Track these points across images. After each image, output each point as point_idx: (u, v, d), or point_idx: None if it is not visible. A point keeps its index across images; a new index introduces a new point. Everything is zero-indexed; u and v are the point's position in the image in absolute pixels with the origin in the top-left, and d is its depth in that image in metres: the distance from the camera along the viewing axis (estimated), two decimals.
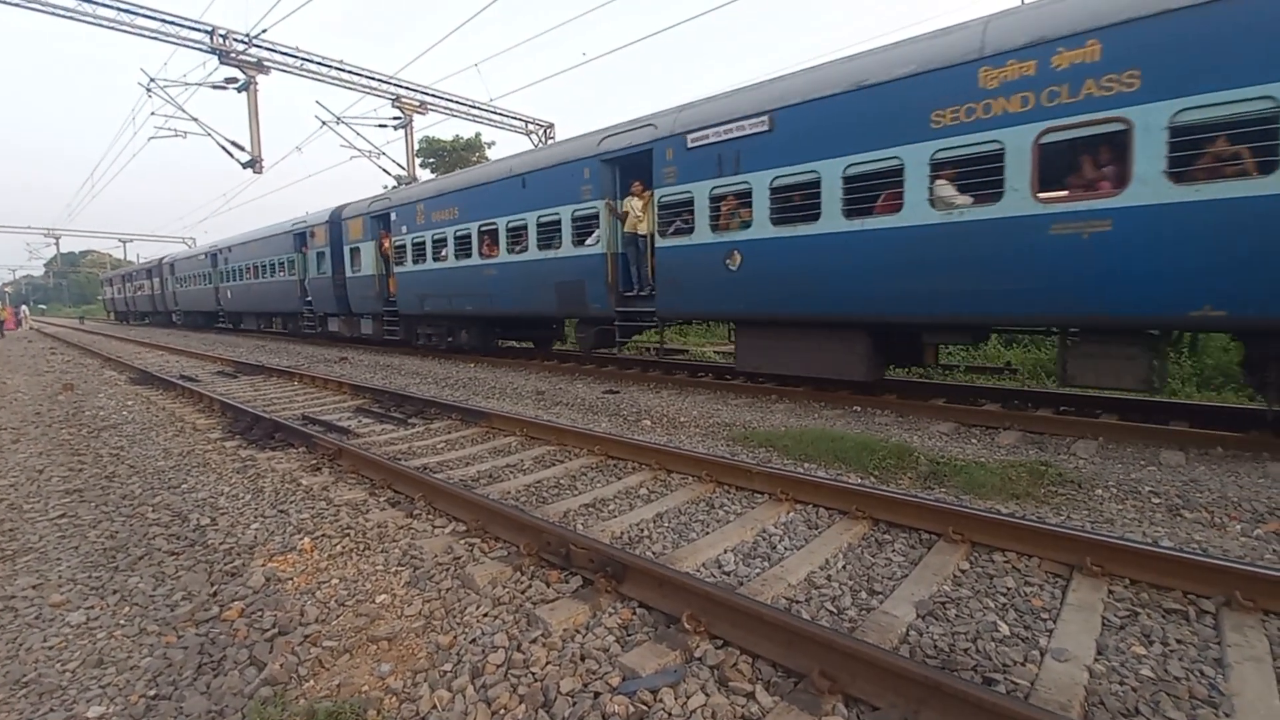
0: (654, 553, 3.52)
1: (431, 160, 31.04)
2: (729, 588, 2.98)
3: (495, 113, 23.13)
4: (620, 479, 4.86)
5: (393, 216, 14.36)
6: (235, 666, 2.53)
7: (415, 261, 13.67)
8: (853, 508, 3.90)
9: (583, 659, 2.47)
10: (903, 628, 2.70)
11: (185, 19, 15.75)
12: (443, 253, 12.91)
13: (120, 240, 58.56)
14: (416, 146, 22.57)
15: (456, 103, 21.86)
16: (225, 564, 3.50)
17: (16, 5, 14.10)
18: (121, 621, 2.96)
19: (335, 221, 16.40)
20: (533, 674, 2.39)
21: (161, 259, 32.24)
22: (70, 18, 14.77)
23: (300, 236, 18.02)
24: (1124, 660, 2.45)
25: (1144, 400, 6.65)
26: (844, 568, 3.30)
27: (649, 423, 6.95)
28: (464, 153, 31.06)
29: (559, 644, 2.57)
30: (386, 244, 14.69)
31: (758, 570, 3.27)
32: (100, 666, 2.60)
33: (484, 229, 11.74)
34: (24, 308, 43.94)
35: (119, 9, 14.88)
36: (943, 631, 2.68)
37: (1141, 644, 2.56)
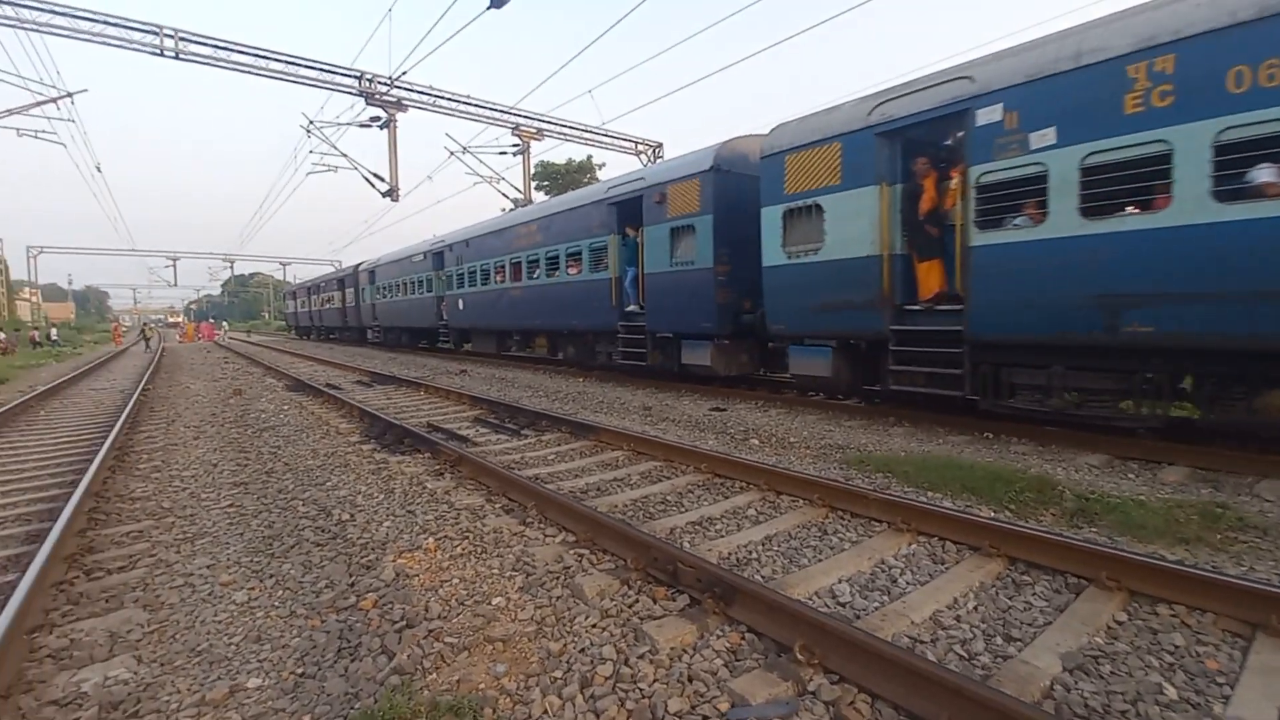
0: (763, 576, 3.41)
1: (546, 183, 32.67)
2: (845, 619, 2.82)
3: (606, 135, 23.97)
4: (727, 498, 4.78)
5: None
6: (369, 654, 2.73)
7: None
8: (985, 543, 3.57)
9: (690, 680, 2.43)
10: (1046, 680, 2.41)
11: (339, 67, 17.78)
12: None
13: (280, 263, 66.53)
14: (532, 170, 23.85)
15: (570, 128, 22.90)
16: (361, 557, 3.81)
17: (206, 63, 16.57)
18: (276, 603, 3.30)
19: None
20: (640, 690, 2.38)
21: (357, 266, 28.40)
22: (249, 72, 17.15)
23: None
24: None
25: None
26: (975, 609, 3.02)
27: (757, 442, 6.79)
28: (576, 175, 32.41)
29: (666, 662, 2.55)
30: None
31: (876, 604, 3.07)
32: (259, 642, 2.90)
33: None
34: (224, 324, 54.48)
35: (286, 62, 17.08)
36: (1095, 689, 2.37)
37: None
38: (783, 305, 8.43)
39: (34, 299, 52.63)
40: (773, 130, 8.60)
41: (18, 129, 17.42)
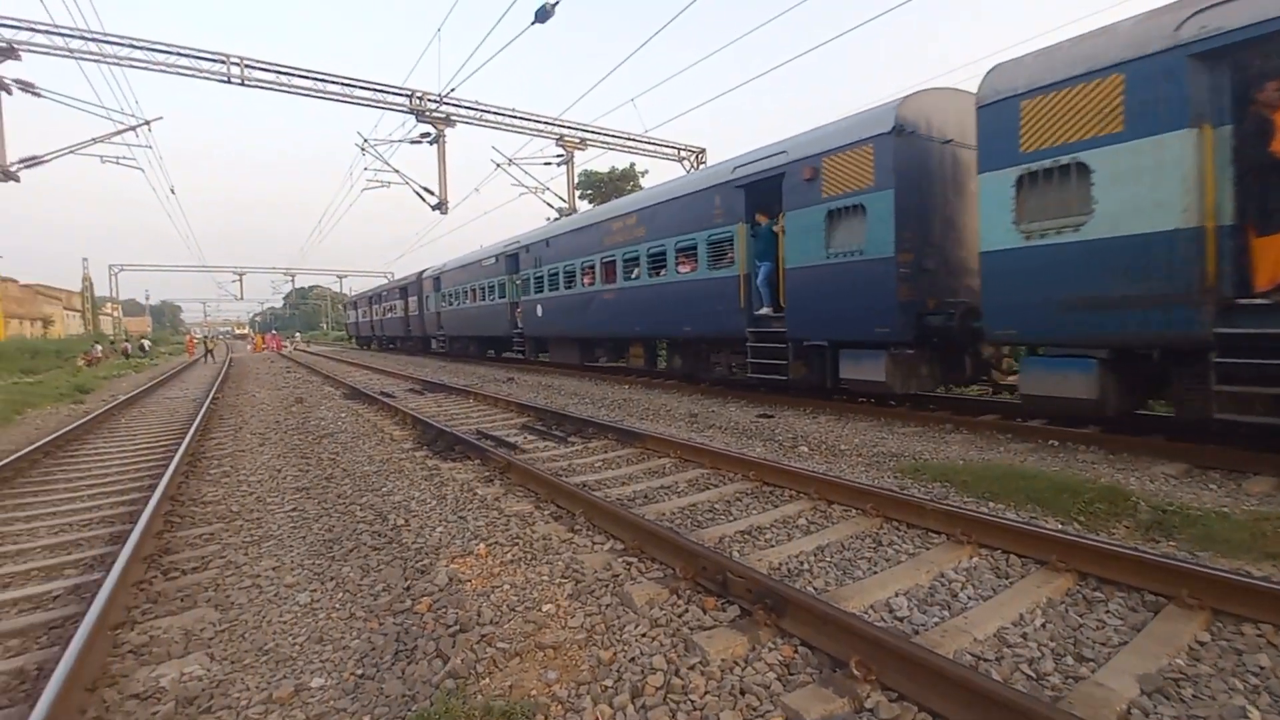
0: (815, 588, 3.33)
1: (589, 191, 33.03)
2: (903, 635, 2.72)
3: (649, 143, 24.09)
4: (777, 507, 4.70)
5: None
6: (425, 657, 2.79)
7: None
8: (1053, 557, 3.40)
9: (743, 693, 2.39)
10: (1122, 704, 2.27)
11: (392, 86, 18.46)
12: None
13: (337, 276, 69.29)
14: (577, 180, 24.17)
15: (613, 136, 23.12)
16: (416, 562, 3.90)
17: (270, 87, 17.46)
18: (337, 605, 3.41)
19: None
20: (692, 701, 2.36)
21: (421, 273, 27.19)
22: (308, 95, 17.97)
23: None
24: None
25: None
26: (1044, 626, 2.87)
27: (806, 449, 6.67)
28: (619, 182, 32.66)
29: (717, 674, 2.51)
30: None
31: (936, 619, 2.95)
32: (321, 643, 3.01)
33: None
34: (297, 334, 58.30)
35: (343, 84, 17.85)
36: (1175, 714, 2.22)
37: None
38: (1012, 302, 6.37)
39: (115, 314, 56.31)
40: (993, 71, 6.55)
41: (101, 156, 18.77)
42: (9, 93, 15.41)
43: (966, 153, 7.72)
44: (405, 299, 29.72)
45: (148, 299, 79.04)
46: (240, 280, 62.79)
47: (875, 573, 3.49)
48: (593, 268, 13.76)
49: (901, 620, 2.98)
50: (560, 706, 2.40)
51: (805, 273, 8.71)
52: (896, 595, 3.21)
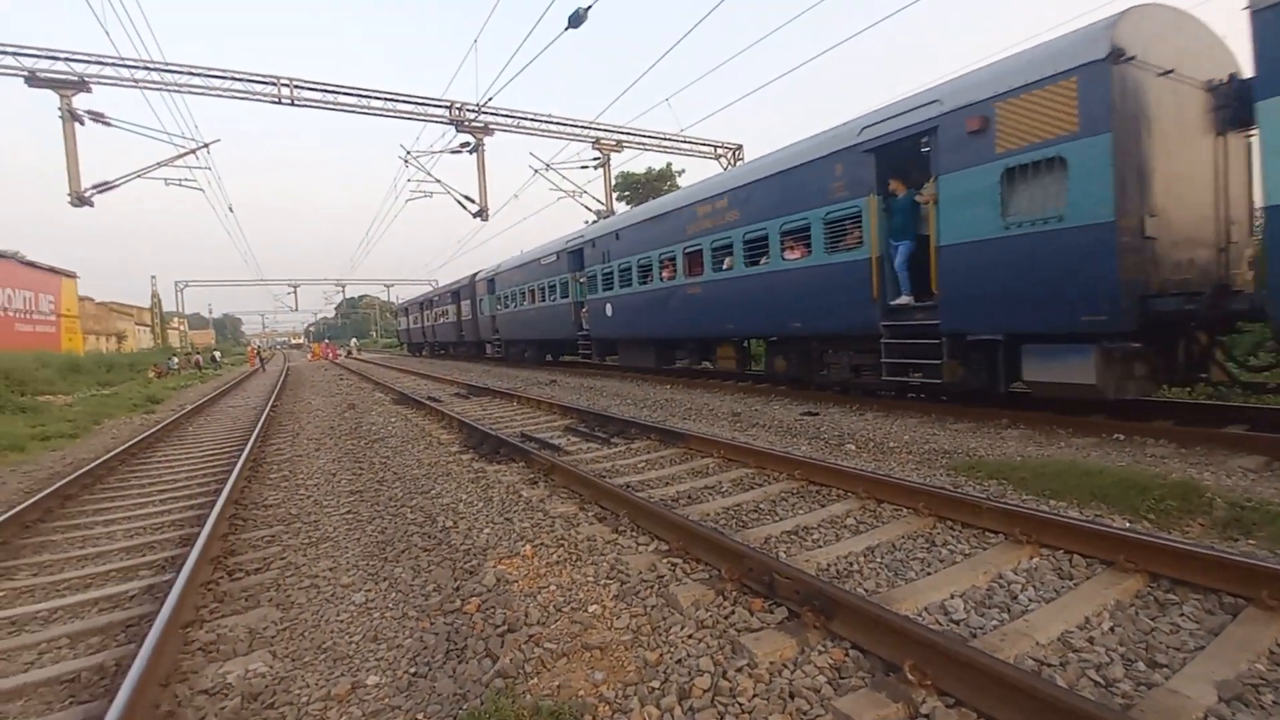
0: (866, 590, 3.24)
1: (627, 193, 33.14)
2: (960, 639, 2.63)
3: (685, 142, 24.02)
4: (824, 506, 4.60)
5: None
6: (474, 656, 2.84)
7: None
8: (1121, 557, 3.22)
9: (792, 696, 2.34)
10: (1199, 712, 2.14)
11: (431, 99, 18.93)
12: None
13: (385, 285, 71.46)
14: (614, 182, 24.28)
15: (649, 137, 23.14)
16: (465, 563, 3.98)
17: (317, 106, 18.14)
18: (390, 605, 3.51)
19: None
20: (740, 704, 2.33)
21: (474, 275, 26.10)
22: (353, 111, 18.60)
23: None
24: None
25: None
26: (1112, 630, 2.73)
27: (853, 447, 6.52)
28: (656, 183, 32.67)
29: (766, 677, 2.48)
30: None
31: (994, 622, 2.84)
32: (375, 642, 3.10)
33: None
34: (354, 340, 61.16)
35: (385, 99, 18.41)
36: None
37: None
38: None
39: (182, 328, 59.47)
40: None
41: (165, 179, 19.88)
42: (82, 123, 16.46)
43: (1186, 89, 6.29)
44: (457, 303, 28.70)
45: (210, 312, 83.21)
46: (295, 292, 65.45)
47: (929, 574, 3.38)
48: (673, 260, 12.36)
49: (958, 623, 2.87)
50: (607, 707, 2.41)
51: (969, 250, 6.97)
52: (952, 597, 3.10)
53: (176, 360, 34.31)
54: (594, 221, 21.54)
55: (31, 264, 31.28)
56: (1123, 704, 2.23)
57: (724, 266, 11.04)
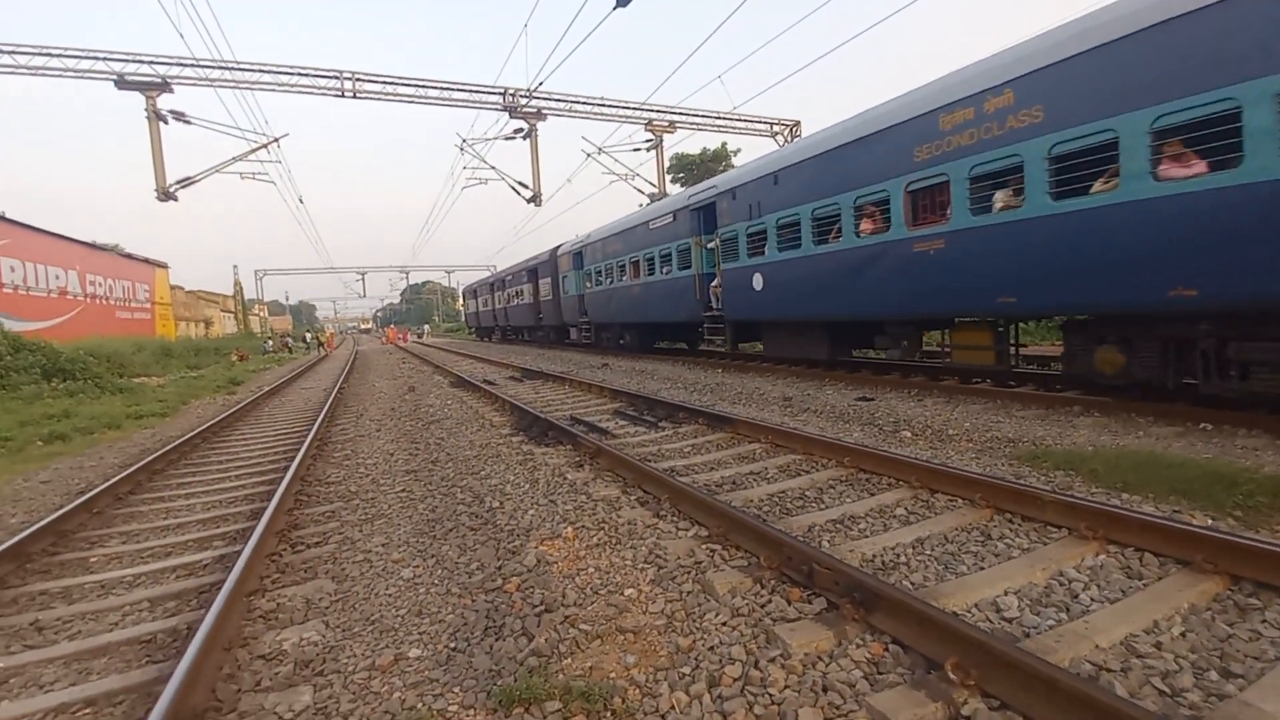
0: (912, 583, 3.12)
1: (681, 175, 32.80)
2: (1010, 638, 2.49)
3: (739, 120, 23.49)
4: (873, 495, 4.45)
5: None
6: (511, 635, 2.90)
7: None
8: (1199, 557, 2.97)
9: (825, 690, 2.28)
10: None
11: (485, 86, 19.21)
12: None
13: (445, 271, 73.68)
14: (667, 164, 24.04)
15: (702, 116, 22.74)
16: (508, 543, 4.07)
17: (378, 98, 18.71)
18: (435, 581, 3.62)
19: None
20: (770, 695, 2.28)
21: (555, 249, 22.74)
22: (412, 101, 19.10)
23: None
24: None
25: None
26: (1183, 635, 2.52)
27: (909, 434, 6.27)
28: (711, 164, 32.18)
29: (799, 668, 2.42)
30: None
31: (1051, 622, 2.67)
32: (420, 616, 3.21)
33: None
34: (426, 326, 64.73)
35: (441, 88, 18.81)
36: None
37: None
38: None
39: (262, 314, 63.29)
40: None
41: (240, 173, 21.06)
42: (166, 122, 17.57)
43: None
44: (535, 281, 25.31)
45: (287, 299, 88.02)
46: (363, 279, 68.35)
47: (982, 569, 3.21)
48: (883, 205, 8.52)
49: (1010, 621, 2.72)
50: (638, 691, 2.41)
51: None
52: (1005, 594, 2.93)
53: (271, 343, 37.20)
54: (648, 204, 21.17)
55: (129, 256, 33.88)
56: (1189, 716, 2.06)
57: (993, 208, 7.08)
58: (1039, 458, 4.99)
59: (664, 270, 14.89)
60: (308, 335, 46.80)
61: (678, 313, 14.54)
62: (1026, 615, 2.74)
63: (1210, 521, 3.61)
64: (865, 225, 8.96)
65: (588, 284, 19.69)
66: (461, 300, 60.24)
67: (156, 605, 3.58)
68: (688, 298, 13.82)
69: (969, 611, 2.80)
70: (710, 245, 12.90)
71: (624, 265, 16.92)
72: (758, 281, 11.28)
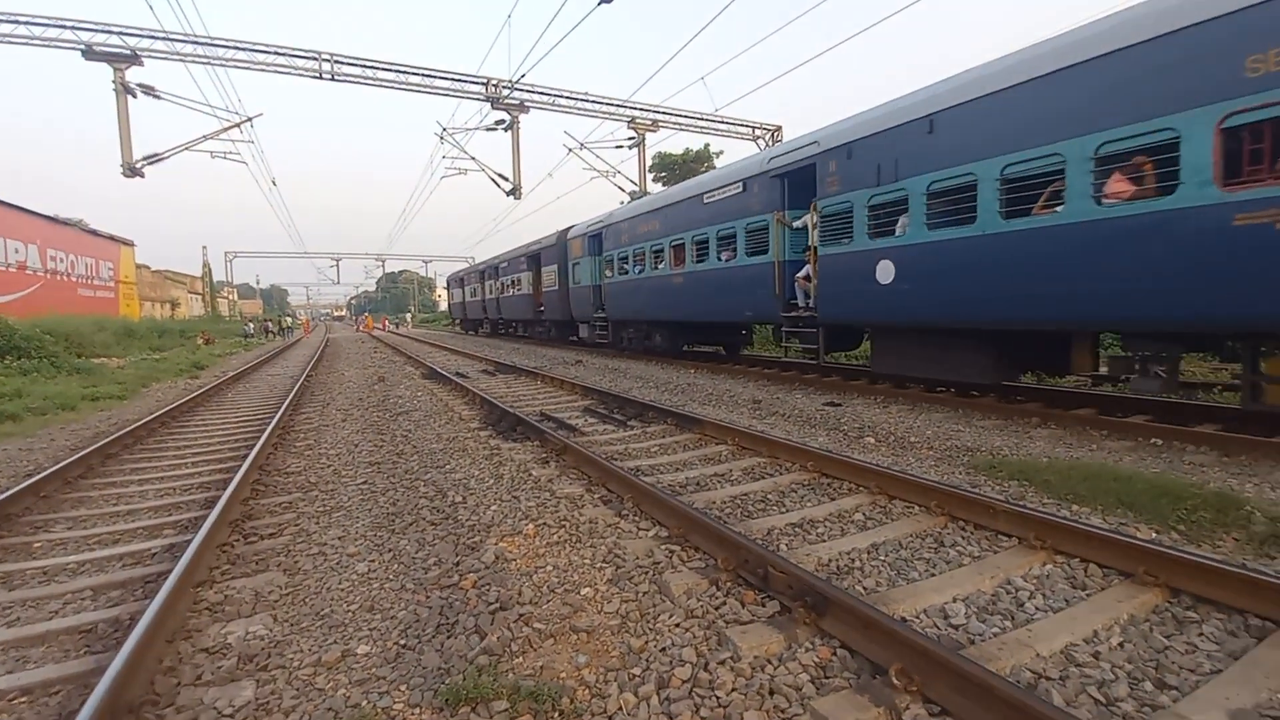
0: (864, 588, 3.16)
1: (664, 174, 32.82)
2: (954, 645, 2.54)
3: (721, 122, 23.58)
4: (833, 500, 4.51)
5: None
6: (463, 632, 2.87)
7: None
8: (1140, 570, 3.06)
9: (771, 693, 2.30)
10: None
11: (467, 75, 18.98)
12: None
13: (423, 260, 72.72)
14: (649, 162, 24.04)
15: (684, 117, 22.78)
16: (468, 539, 4.02)
17: (357, 81, 18.37)
18: (391, 576, 3.57)
19: None
20: (717, 697, 2.29)
21: (565, 231, 19.63)
22: (392, 87, 18.79)
23: None
24: None
25: None
26: (1121, 645, 2.59)
27: (872, 440, 6.36)
28: (693, 164, 32.25)
29: (748, 671, 2.43)
30: None
31: (995, 629, 2.73)
32: (372, 612, 3.16)
33: None
34: (406, 315, 63.93)
35: (422, 75, 18.53)
36: None
37: None
38: None
39: (231, 297, 61.77)
40: None
41: (211, 152, 20.51)
42: (134, 96, 17.02)
43: None
44: (536, 269, 22.43)
45: (258, 283, 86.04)
46: (337, 265, 67.11)
47: (933, 575, 3.27)
48: (1166, 152, 5.34)
49: (957, 628, 2.77)
50: (587, 691, 2.40)
51: None
52: (954, 601, 2.99)
53: (253, 325, 36.65)
54: (628, 203, 20.55)
55: (93, 232, 32.79)
56: None
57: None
58: (995, 467, 5.11)
59: (722, 256, 11.63)
60: (286, 320, 46.90)
61: (741, 310, 11.39)
62: (973, 622, 2.80)
63: (1154, 535, 3.73)
64: (1117, 186, 5.76)
65: (607, 273, 16.39)
66: (444, 289, 58.00)
67: (100, 594, 3.47)
68: (761, 291, 10.59)
69: (918, 617, 2.85)
70: (799, 224, 9.93)
71: (660, 250, 13.71)
72: (884, 271, 8.16)
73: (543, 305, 22.30)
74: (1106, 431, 6.27)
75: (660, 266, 13.84)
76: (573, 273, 18.91)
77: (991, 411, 7.37)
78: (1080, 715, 2.13)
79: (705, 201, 12.08)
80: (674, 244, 13.32)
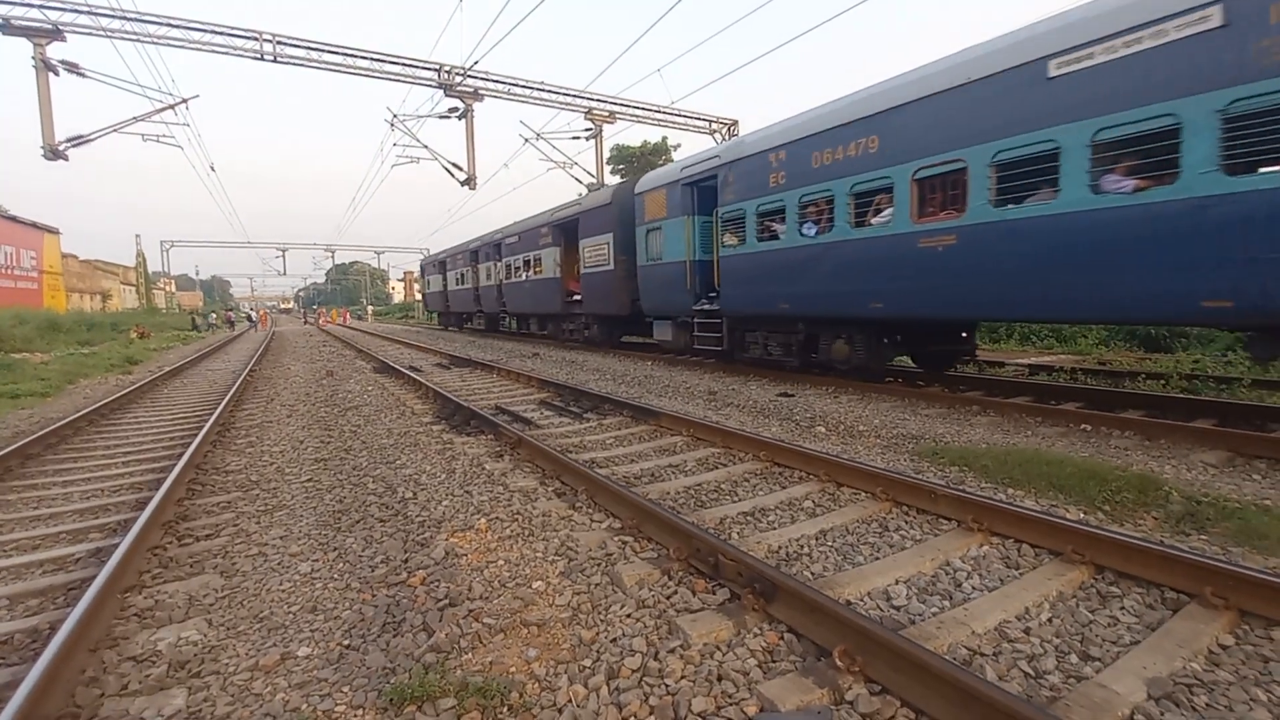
0: (812, 573, 3.24)
1: (621, 166, 32.68)
2: (894, 625, 2.62)
3: (679, 115, 23.61)
4: (784, 488, 4.59)
5: None
6: (411, 630, 2.81)
7: None
8: (1069, 549, 3.22)
9: (719, 679, 2.33)
10: (1125, 709, 2.13)
11: (419, 61, 18.45)
12: None
13: (375, 252, 70.55)
14: (607, 155, 23.89)
15: (641, 109, 22.71)
16: (418, 535, 3.94)
17: (301, 64, 17.63)
18: (335, 575, 3.47)
19: None
20: (666, 686, 2.31)
21: (632, 183, 14.02)
22: (339, 70, 18.11)
23: None
24: None
25: None
26: (1050, 621, 2.73)
27: (823, 429, 6.51)
28: (651, 157, 32.23)
29: (697, 658, 2.46)
30: None
31: (934, 609, 2.83)
32: (314, 612, 3.06)
33: None
34: (370, 308, 62.84)
35: (372, 59, 17.91)
36: None
37: None
38: None
39: (169, 288, 58.67)
40: None
41: (142, 135, 19.35)
42: (56, 73, 15.94)
43: None
44: (566, 244, 16.79)
45: (198, 274, 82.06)
46: (283, 256, 64.54)
47: (877, 559, 3.37)
48: None
49: (899, 609, 2.86)
50: (536, 685, 2.39)
51: None
52: (896, 583, 3.09)
53: (215, 315, 35.93)
54: (585, 195, 19.52)
55: (13, 219, 30.63)
56: (1049, 697, 2.23)
57: None
58: (937, 454, 5.29)
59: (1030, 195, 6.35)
60: (252, 314, 47.28)
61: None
62: (913, 603, 2.90)
63: (1082, 515, 3.93)
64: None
65: (729, 239, 10.46)
66: (398, 281, 55.89)
67: (17, 603, 3.26)
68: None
69: (862, 600, 2.93)
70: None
71: (848, 198, 8.15)
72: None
73: (578, 294, 16.39)
74: (1040, 418, 6.56)
75: (845, 228, 8.27)
76: (647, 243, 12.79)
77: (936, 400, 7.63)
78: (1012, 689, 2.23)
79: (955, 95, 6.86)
80: (882, 183, 7.74)
